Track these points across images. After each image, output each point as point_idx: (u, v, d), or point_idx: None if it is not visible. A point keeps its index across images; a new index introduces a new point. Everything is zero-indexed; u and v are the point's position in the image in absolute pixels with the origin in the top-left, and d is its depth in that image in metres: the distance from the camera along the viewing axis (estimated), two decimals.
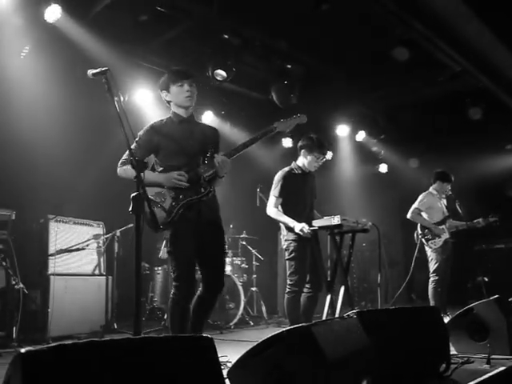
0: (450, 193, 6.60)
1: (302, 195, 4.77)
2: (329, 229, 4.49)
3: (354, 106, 8.48)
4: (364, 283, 9.40)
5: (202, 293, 3.38)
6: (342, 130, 8.81)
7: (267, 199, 4.80)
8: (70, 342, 1.55)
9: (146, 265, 6.92)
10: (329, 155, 9.21)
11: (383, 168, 10.01)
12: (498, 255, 8.81)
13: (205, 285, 3.39)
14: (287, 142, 8.68)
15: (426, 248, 6.46)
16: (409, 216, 6.52)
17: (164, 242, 6.08)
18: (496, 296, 3.78)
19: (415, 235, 6.53)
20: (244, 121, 8.03)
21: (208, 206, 3.41)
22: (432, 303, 6.25)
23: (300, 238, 4.55)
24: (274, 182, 4.75)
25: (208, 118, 7.56)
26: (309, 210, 4.81)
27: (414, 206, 6.55)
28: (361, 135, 9.04)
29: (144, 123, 3.58)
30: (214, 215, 3.50)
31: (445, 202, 6.73)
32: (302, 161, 4.82)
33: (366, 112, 8.75)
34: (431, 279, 6.33)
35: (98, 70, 2.75)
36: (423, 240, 6.41)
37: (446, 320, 4.12)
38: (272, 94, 6.94)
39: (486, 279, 8.03)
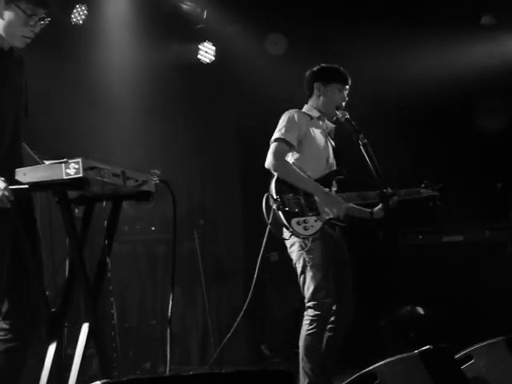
0: (348, 116, 6.88)
1: None
2: (54, 188, 4.56)
3: None
4: (149, 317, 9.89)
5: None
6: None
7: None
8: None
9: None
10: (75, 16, 9.26)
11: (206, 52, 10.43)
12: (445, 256, 9.59)
13: None
14: None
15: (286, 236, 6.64)
16: (270, 163, 6.62)
17: None
18: (426, 347, 4.09)
19: (263, 203, 6.58)
20: None
21: None
22: (304, 364, 6.59)
23: None
24: None
25: None
26: (10, 141, 4.98)
27: (277, 134, 6.71)
28: None
29: None
30: None
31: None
32: None
33: None
34: (308, 314, 6.62)
35: None
36: (280, 215, 6.50)
37: None
38: None
39: (422, 311, 8.67)
